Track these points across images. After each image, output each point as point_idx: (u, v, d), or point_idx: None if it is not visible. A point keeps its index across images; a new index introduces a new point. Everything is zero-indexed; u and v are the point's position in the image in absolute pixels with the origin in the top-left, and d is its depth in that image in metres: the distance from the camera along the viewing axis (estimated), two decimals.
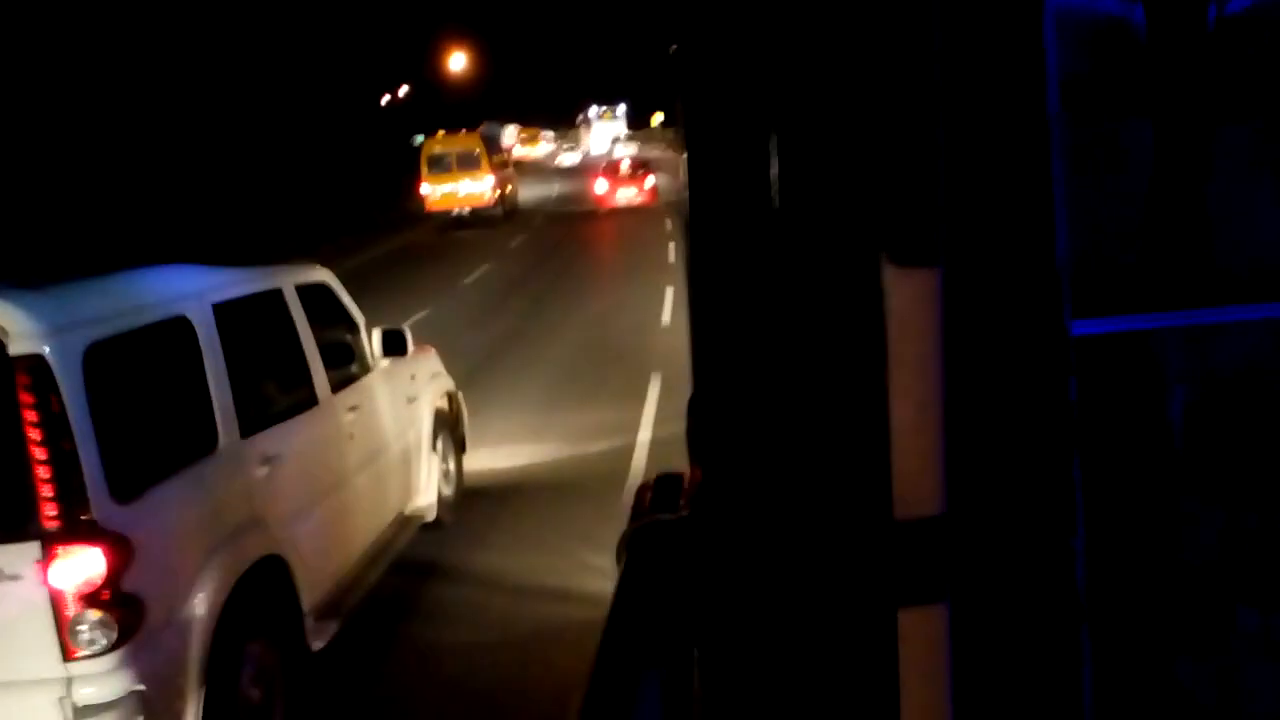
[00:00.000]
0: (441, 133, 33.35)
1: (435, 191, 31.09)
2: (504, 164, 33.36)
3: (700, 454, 0.82)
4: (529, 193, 38.83)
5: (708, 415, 0.79)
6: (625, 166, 33.05)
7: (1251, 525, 1.19)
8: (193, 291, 4.26)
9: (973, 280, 0.74)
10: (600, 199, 31.34)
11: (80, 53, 24.49)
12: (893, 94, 0.73)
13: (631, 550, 1.35)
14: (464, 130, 34.64)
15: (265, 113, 34.01)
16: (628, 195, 30.94)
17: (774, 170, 0.73)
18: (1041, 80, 0.73)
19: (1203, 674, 1.20)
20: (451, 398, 7.05)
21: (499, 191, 31.29)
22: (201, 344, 4.14)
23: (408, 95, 53.05)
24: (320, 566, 4.72)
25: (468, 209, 30.77)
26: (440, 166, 31.10)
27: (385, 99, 51.66)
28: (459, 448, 7.06)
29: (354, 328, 5.80)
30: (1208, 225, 1.23)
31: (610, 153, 57.28)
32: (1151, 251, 1.23)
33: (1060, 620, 0.77)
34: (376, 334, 5.87)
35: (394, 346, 5.88)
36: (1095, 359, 1.00)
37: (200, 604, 3.67)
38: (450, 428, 6.89)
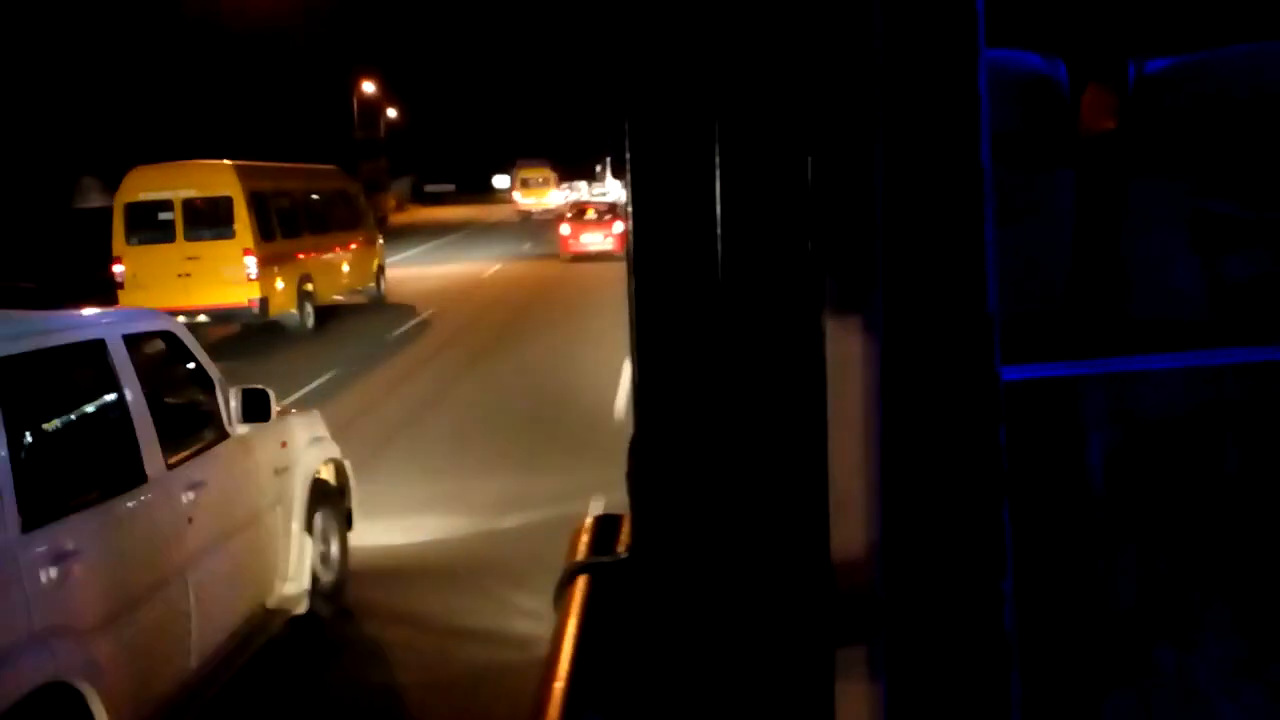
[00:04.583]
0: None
1: (139, 276, 14.99)
2: (289, 227, 16.38)
3: (640, 495, 0.82)
4: (469, 266, 26.90)
5: (648, 455, 0.79)
6: (592, 211, 29.22)
7: (1167, 567, 1.21)
8: None
9: (907, 325, 0.75)
10: (564, 241, 27.56)
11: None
12: (836, 139, 0.74)
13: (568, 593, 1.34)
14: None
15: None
16: (594, 240, 27.21)
17: (718, 212, 0.74)
18: (976, 132, 0.74)
19: (1128, 714, 1.22)
20: (338, 467, 6.11)
21: (273, 276, 15.38)
22: None
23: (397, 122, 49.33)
24: (135, 690, 3.76)
25: (199, 313, 14.72)
26: (149, 228, 15.17)
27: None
28: (344, 524, 6.10)
29: (207, 387, 4.87)
30: (1125, 274, 1.31)
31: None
32: (1075, 300, 1.29)
33: (990, 661, 0.77)
34: (234, 394, 4.94)
35: (255, 410, 4.94)
36: (1019, 404, 0.97)
37: None
38: (333, 502, 5.95)
